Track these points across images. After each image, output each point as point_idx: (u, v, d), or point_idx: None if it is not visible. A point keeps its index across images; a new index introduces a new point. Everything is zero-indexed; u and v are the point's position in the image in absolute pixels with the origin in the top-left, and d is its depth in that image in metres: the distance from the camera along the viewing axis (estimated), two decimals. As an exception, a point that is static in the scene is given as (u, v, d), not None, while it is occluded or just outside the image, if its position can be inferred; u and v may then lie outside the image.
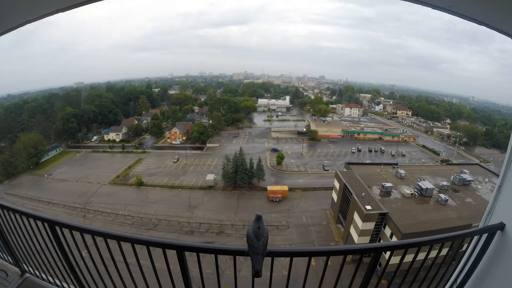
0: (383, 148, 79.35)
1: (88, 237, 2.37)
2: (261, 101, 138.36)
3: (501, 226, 2.38)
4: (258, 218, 1.96)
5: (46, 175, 61.06)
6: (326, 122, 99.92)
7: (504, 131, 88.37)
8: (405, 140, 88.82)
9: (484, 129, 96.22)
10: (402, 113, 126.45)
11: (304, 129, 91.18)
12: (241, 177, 51.67)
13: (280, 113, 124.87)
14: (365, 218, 32.33)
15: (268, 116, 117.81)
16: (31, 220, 2.72)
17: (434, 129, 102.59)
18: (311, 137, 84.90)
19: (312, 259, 2.04)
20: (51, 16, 2.48)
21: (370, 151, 77.73)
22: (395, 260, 2.31)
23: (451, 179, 42.74)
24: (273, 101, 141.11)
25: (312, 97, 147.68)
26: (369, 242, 27.84)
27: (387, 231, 32.00)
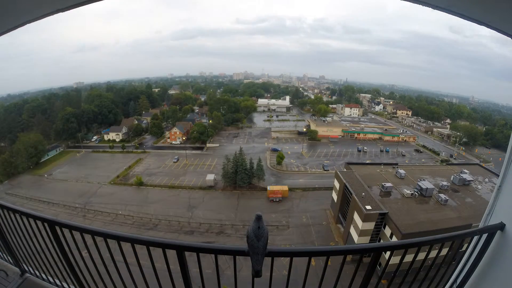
0: (382, 148, 79.39)
1: (88, 237, 2.36)
2: (261, 101, 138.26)
3: (501, 226, 2.38)
4: (258, 218, 1.95)
5: (46, 175, 61.07)
6: (326, 122, 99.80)
7: (504, 131, 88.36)
8: (405, 140, 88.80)
9: (484, 129, 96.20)
10: (402, 113, 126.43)
11: (304, 129, 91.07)
12: (241, 177, 51.66)
13: (280, 113, 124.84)
14: (365, 218, 32.33)
15: (268, 116, 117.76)
16: (31, 220, 2.72)
17: (434, 129, 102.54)
18: (311, 137, 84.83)
19: (312, 259, 2.04)
20: (51, 16, 2.48)
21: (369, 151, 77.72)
22: (395, 260, 2.30)
23: (451, 179, 42.70)
24: (273, 101, 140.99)
25: (312, 97, 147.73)
26: (369, 242, 27.82)
27: (387, 231, 32.00)
